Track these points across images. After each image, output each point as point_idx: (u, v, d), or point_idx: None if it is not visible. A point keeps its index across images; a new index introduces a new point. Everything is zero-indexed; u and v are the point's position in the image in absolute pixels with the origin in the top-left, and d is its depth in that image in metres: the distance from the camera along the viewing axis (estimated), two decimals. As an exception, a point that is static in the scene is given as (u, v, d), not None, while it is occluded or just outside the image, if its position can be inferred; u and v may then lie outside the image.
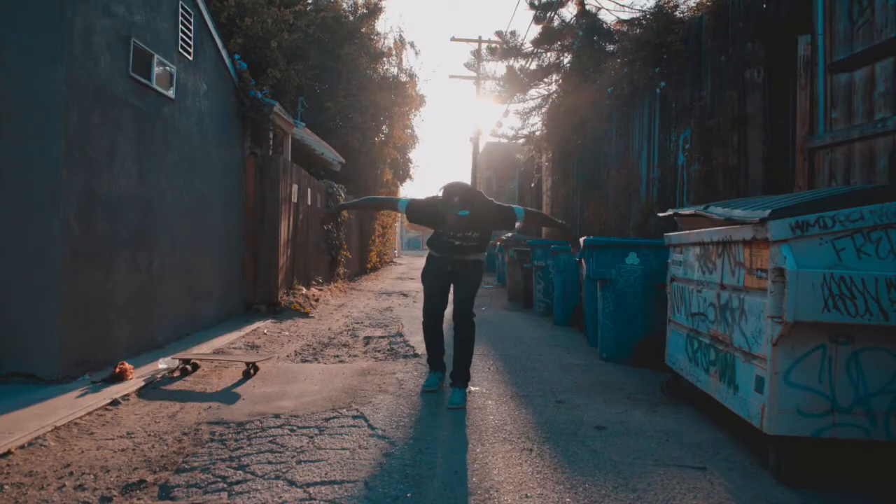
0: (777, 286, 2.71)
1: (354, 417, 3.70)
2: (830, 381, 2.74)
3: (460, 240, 4.21)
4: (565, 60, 13.26)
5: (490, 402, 4.10)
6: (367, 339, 6.52)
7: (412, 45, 29.65)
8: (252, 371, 4.75)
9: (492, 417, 3.75)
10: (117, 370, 4.38)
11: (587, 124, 10.39)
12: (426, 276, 4.42)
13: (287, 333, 6.87)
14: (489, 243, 4.54)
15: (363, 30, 15.70)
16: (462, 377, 4.18)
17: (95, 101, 4.62)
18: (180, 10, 6.03)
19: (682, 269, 4.08)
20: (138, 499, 2.52)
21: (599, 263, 5.56)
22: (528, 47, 14.21)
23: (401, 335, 6.82)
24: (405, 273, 19.88)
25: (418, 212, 4.35)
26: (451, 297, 4.44)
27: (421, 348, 5.98)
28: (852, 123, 4.19)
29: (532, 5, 13.10)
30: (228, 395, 4.16)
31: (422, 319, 4.48)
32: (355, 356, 5.65)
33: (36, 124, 4.25)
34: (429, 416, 3.78)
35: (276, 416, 3.68)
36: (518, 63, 14.51)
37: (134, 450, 3.08)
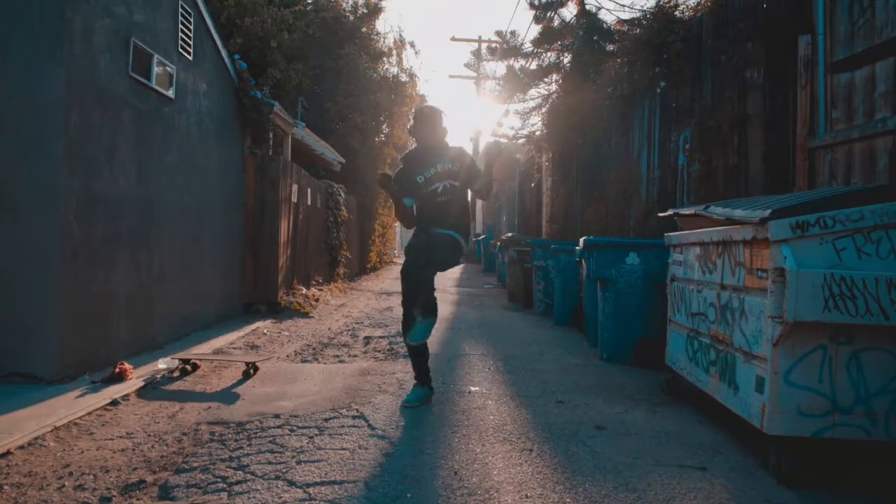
0: (777, 286, 2.71)
1: (354, 417, 3.69)
2: (831, 382, 2.73)
3: (440, 194, 4.01)
4: (565, 60, 13.25)
5: (490, 402, 4.10)
6: (367, 339, 6.52)
7: (412, 44, 29.73)
8: (252, 371, 4.75)
9: (492, 417, 3.75)
10: (117, 370, 4.38)
11: (587, 124, 10.39)
12: (408, 254, 4.11)
13: (287, 333, 6.87)
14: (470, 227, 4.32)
15: (363, 30, 15.71)
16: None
17: (95, 101, 4.62)
18: (180, 9, 6.03)
19: (683, 270, 4.07)
20: (138, 499, 2.51)
21: (599, 263, 5.55)
22: (528, 47, 14.21)
23: (401, 335, 6.81)
24: (405, 273, 19.84)
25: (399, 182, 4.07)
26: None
27: (421, 348, 5.97)
28: (852, 123, 4.19)
29: (532, 5, 13.11)
30: (228, 396, 4.16)
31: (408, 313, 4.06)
32: (355, 356, 5.65)
33: (36, 124, 4.25)
34: (429, 416, 3.77)
35: (276, 416, 3.67)
36: (518, 63, 14.51)
37: (134, 450, 3.08)
